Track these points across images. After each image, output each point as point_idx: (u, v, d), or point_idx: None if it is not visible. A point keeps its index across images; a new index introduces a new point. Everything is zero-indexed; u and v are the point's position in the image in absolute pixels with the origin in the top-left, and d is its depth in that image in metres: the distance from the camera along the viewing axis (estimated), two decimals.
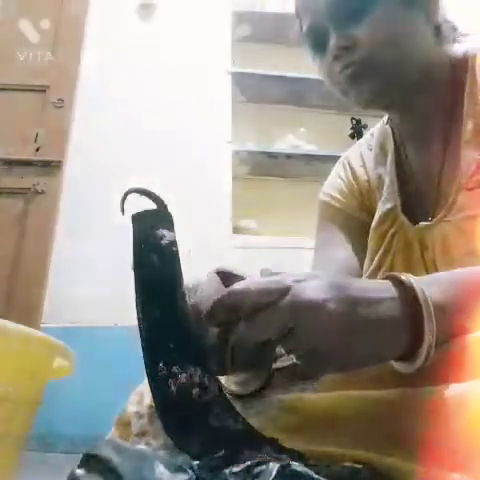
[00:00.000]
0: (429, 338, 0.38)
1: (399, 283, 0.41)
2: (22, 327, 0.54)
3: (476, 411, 0.33)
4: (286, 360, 0.42)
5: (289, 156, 2.50)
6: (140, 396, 0.54)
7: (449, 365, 0.38)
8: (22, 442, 0.61)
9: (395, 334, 0.39)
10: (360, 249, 0.76)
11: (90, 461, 0.31)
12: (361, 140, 0.84)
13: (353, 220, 0.79)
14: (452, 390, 0.35)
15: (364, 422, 0.41)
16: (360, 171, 0.80)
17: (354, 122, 2.59)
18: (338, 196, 0.80)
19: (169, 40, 2.68)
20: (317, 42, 0.66)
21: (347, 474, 0.37)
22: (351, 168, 0.81)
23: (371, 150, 0.80)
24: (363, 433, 0.40)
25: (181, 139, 2.50)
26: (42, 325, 2.07)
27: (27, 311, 2.07)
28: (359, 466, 0.38)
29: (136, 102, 2.55)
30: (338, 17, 0.62)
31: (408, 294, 0.40)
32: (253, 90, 2.65)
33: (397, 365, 0.42)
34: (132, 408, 0.54)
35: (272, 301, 0.38)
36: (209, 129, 2.54)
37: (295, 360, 0.41)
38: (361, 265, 0.75)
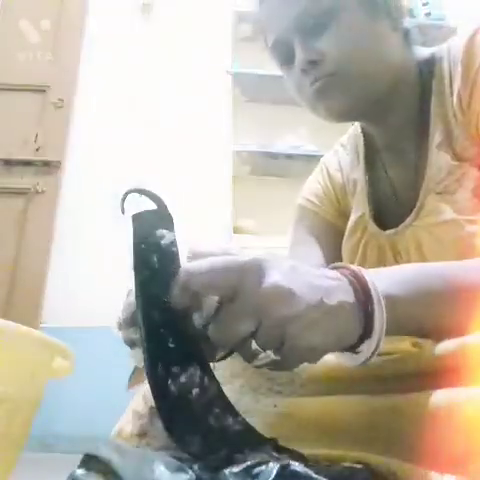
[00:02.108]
0: (378, 327, 0.38)
1: (350, 273, 0.40)
2: (22, 327, 0.54)
3: (472, 414, 0.33)
4: (264, 358, 0.41)
5: (289, 156, 2.50)
6: (137, 411, 0.54)
7: (445, 370, 0.38)
8: (22, 442, 0.60)
9: (352, 320, 0.38)
10: (332, 254, 0.75)
11: (90, 461, 0.31)
12: (338, 145, 0.84)
13: (328, 225, 0.78)
14: (449, 394, 0.35)
15: (362, 425, 0.41)
16: (337, 176, 0.80)
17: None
18: (315, 201, 0.80)
19: (169, 40, 2.68)
20: (284, 56, 0.65)
21: (347, 474, 0.37)
22: (328, 173, 0.81)
23: (348, 155, 0.80)
24: (361, 436, 0.41)
25: (181, 139, 2.50)
26: (42, 325, 2.07)
27: (27, 311, 2.08)
28: (359, 466, 0.39)
29: (136, 102, 2.55)
30: (303, 30, 0.60)
31: (359, 283, 0.39)
32: (253, 90, 2.65)
33: (344, 357, 0.41)
34: (128, 427, 0.53)
35: (233, 286, 0.36)
36: (209, 129, 2.54)
37: (273, 356, 0.39)
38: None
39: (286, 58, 0.64)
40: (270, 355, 0.39)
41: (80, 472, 0.31)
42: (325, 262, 0.75)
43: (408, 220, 0.63)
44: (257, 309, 0.36)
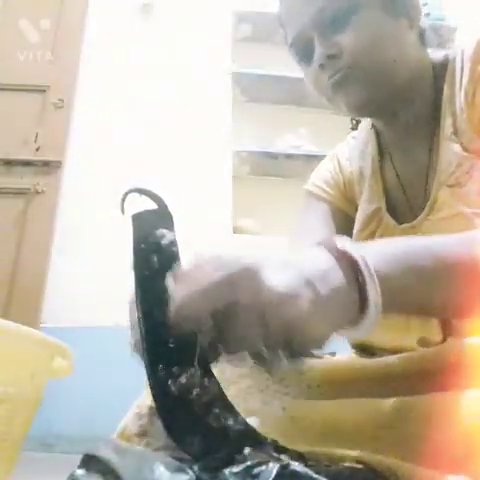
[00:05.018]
0: (374, 301, 0.38)
1: (337, 251, 0.40)
2: (22, 327, 0.55)
3: (473, 415, 0.33)
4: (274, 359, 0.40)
5: (289, 156, 2.50)
6: (139, 410, 0.54)
7: (448, 370, 0.38)
8: (22, 442, 0.61)
9: (348, 301, 0.39)
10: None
11: (90, 461, 0.31)
12: (350, 137, 0.85)
13: (337, 210, 0.79)
14: (451, 396, 0.36)
15: (367, 428, 0.41)
16: (346, 163, 0.81)
17: (354, 122, 2.59)
18: (324, 186, 0.81)
19: (169, 40, 2.68)
20: (303, 51, 0.66)
21: (347, 474, 0.37)
22: (338, 160, 0.83)
23: (358, 146, 0.81)
24: (366, 438, 0.41)
25: (181, 139, 2.50)
26: (42, 325, 2.07)
27: (27, 311, 2.07)
28: (359, 466, 0.39)
29: (136, 102, 2.55)
30: (323, 26, 0.62)
31: (348, 261, 0.40)
32: (253, 90, 2.65)
33: (346, 332, 0.41)
34: (129, 426, 0.53)
35: (230, 301, 0.35)
36: (209, 129, 2.54)
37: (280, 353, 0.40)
38: None
39: (305, 54, 0.66)
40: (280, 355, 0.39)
41: (80, 472, 0.31)
42: None
43: (422, 214, 0.64)
44: (260, 316, 0.35)
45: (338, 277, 0.39)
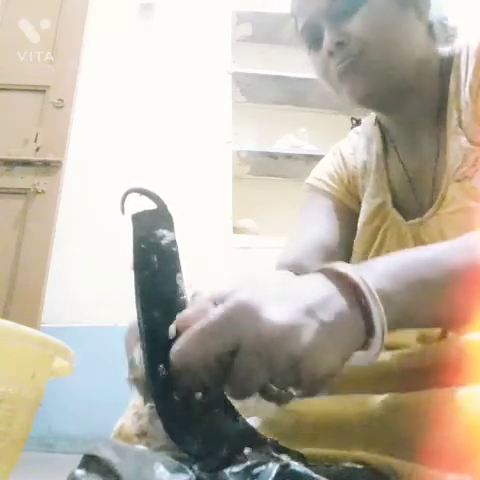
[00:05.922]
0: (379, 324, 0.37)
1: (337, 275, 0.39)
2: (22, 327, 0.55)
3: (474, 412, 0.33)
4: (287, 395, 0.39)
5: (289, 156, 2.50)
6: (137, 409, 0.53)
7: (449, 367, 0.38)
8: (22, 442, 0.61)
9: (354, 326, 0.37)
10: (345, 234, 0.76)
11: (90, 462, 0.31)
12: (352, 132, 0.85)
13: (340, 204, 0.79)
14: (451, 393, 0.35)
15: (363, 424, 0.41)
16: (350, 158, 0.81)
17: (354, 122, 2.60)
18: (328, 180, 0.81)
19: (169, 40, 2.68)
20: (312, 40, 0.67)
21: (347, 474, 0.37)
22: (341, 155, 0.82)
23: (361, 140, 0.81)
24: (362, 435, 0.41)
25: (181, 139, 2.50)
26: (42, 325, 2.07)
27: (27, 311, 2.07)
28: (359, 466, 0.39)
29: (136, 102, 2.55)
30: (332, 14, 0.63)
31: (349, 285, 0.38)
32: (253, 90, 2.65)
33: (354, 359, 0.40)
34: (128, 426, 0.53)
35: (231, 343, 0.34)
36: (209, 129, 2.54)
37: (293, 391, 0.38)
38: (342, 248, 0.75)
39: (314, 42, 0.66)
40: (292, 392, 0.38)
41: (80, 472, 0.31)
42: (338, 241, 0.76)
43: (431, 210, 0.64)
44: (265, 355, 0.34)
45: (340, 302, 0.37)
